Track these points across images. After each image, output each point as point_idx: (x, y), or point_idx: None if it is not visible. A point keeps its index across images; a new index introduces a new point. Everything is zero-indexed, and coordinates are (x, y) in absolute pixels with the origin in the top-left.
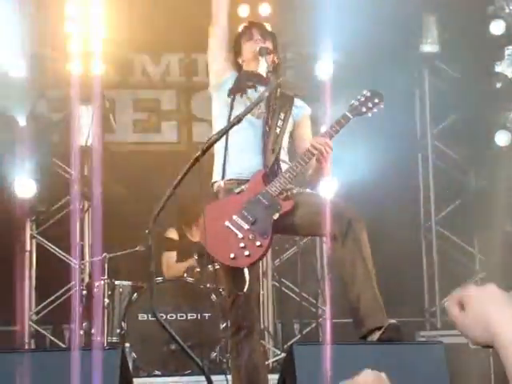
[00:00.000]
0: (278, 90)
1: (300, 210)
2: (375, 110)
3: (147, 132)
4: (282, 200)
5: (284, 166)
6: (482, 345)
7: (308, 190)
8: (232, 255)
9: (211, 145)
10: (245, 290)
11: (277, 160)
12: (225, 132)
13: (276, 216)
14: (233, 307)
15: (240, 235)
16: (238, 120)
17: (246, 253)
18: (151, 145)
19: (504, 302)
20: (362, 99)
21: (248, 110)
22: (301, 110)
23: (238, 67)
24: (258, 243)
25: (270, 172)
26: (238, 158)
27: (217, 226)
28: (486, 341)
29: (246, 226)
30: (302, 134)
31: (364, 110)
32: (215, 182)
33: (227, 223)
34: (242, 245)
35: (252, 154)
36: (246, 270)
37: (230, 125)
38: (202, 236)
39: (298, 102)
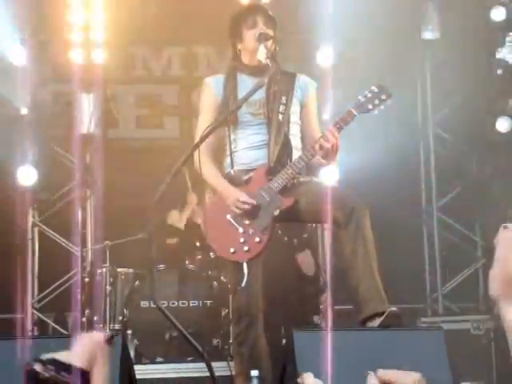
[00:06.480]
0: (279, 73)
1: (304, 198)
2: (382, 107)
3: (150, 127)
4: (284, 196)
5: (296, 154)
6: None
7: (314, 179)
8: (232, 250)
9: (210, 132)
10: (243, 284)
11: (285, 149)
12: (224, 119)
13: (277, 212)
14: (235, 296)
15: (240, 230)
16: (238, 107)
17: (246, 248)
18: (154, 140)
19: None
20: (369, 95)
21: (247, 97)
22: (306, 88)
23: (235, 53)
24: (257, 239)
25: (276, 165)
26: (245, 152)
27: (218, 219)
28: (503, 304)
29: (247, 221)
30: (308, 119)
31: (370, 107)
32: (227, 172)
33: (229, 217)
34: (242, 240)
35: (257, 150)
36: (244, 265)
37: (230, 112)
38: (204, 228)
39: (300, 78)
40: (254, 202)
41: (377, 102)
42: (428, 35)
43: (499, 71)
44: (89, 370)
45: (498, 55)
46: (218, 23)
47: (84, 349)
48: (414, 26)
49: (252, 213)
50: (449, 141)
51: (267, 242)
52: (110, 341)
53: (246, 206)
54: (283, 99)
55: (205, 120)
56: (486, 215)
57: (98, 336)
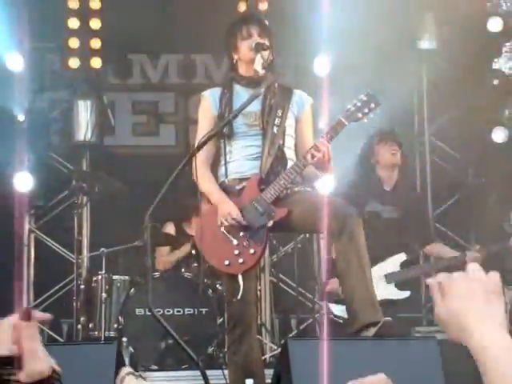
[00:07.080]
0: (276, 86)
1: (298, 208)
2: (371, 115)
3: (146, 135)
4: (277, 206)
5: (290, 165)
6: (456, 342)
7: (307, 189)
8: (227, 262)
9: (206, 141)
10: (238, 296)
11: (278, 161)
12: (220, 128)
13: (270, 223)
14: (229, 305)
15: (235, 242)
16: (234, 116)
17: (240, 260)
18: (150, 148)
19: (484, 300)
20: (359, 104)
21: (244, 106)
22: (302, 103)
23: (232, 63)
24: (251, 251)
25: (268, 175)
26: (240, 162)
27: (213, 231)
28: (459, 339)
29: (241, 233)
30: (303, 133)
31: (360, 115)
32: (221, 182)
33: (222, 229)
34: (236, 252)
35: (251, 160)
36: (240, 277)
37: (226, 121)
38: (198, 239)
39: (297, 94)
40: (244, 223)
41: (366, 110)
42: (425, 45)
43: (495, 81)
44: (20, 355)
45: (495, 65)
46: (216, 31)
47: (3, 336)
48: (412, 36)
49: (245, 225)
50: (445, 151)
51: (262, 253)
52: (25, 316)
53: (234, 223)
54: (279, 112)
55: (202, 132)
56: (481, 225)
57: (11, 319)
